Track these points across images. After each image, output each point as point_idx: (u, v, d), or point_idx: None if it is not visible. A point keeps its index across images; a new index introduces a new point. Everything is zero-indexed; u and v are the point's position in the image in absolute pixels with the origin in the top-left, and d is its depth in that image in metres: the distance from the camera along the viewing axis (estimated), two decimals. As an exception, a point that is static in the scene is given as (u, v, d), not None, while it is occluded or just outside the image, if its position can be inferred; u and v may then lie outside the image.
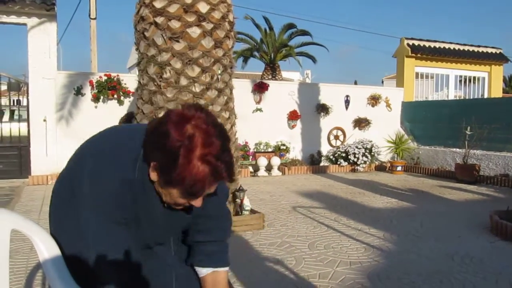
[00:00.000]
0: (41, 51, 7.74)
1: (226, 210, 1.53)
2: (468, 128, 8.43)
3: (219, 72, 4.65)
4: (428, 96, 12.19)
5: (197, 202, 1.19)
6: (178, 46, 4.39)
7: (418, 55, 11.42)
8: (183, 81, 4.43)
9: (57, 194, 1.41)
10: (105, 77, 8.13)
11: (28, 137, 7.84)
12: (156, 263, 1.45)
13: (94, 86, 8.08)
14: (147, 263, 1.39)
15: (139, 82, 4.75)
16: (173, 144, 1.08)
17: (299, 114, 9.88)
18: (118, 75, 8.26)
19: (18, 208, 5.66)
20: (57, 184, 1.43)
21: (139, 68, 4.75)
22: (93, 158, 1.25)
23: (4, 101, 9.71)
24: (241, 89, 9.15)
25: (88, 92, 8.13)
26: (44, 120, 7.76)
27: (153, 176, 1.17)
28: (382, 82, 35.66)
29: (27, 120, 7.83)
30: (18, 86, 8.86)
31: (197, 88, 4.47)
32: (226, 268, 1.48)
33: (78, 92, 8.08)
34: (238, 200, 4.88)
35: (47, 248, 1.30)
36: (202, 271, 1.45)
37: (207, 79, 4.55)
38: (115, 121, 7.46)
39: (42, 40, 7.75)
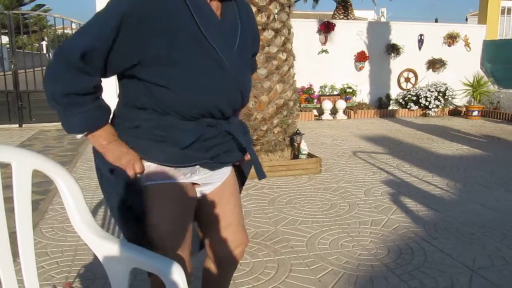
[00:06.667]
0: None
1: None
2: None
3: (276, 11, 4.46)
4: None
5: None
6: (233, -16, 4.23)
7: (506, -13, 10.24)
8: (238, 22, 4.30)
9: None
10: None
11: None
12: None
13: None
14: None
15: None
16: None
17: (367, 55, 9.38)
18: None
19: (90, 148, 6.00)
20: None
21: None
22: None
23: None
24: (306, 30, 8.83)
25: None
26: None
27: None
28: (466, 19, 32.84)
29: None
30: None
31: (252, 29, 4.33)
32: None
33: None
34: (295, 144, 4.82)
35: (69, 190, 1.31)
36: None
37: (263, 19, 4.39)
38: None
39: (108, -17, 7.85)
